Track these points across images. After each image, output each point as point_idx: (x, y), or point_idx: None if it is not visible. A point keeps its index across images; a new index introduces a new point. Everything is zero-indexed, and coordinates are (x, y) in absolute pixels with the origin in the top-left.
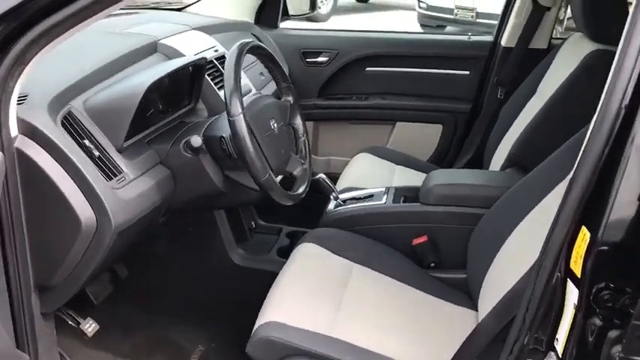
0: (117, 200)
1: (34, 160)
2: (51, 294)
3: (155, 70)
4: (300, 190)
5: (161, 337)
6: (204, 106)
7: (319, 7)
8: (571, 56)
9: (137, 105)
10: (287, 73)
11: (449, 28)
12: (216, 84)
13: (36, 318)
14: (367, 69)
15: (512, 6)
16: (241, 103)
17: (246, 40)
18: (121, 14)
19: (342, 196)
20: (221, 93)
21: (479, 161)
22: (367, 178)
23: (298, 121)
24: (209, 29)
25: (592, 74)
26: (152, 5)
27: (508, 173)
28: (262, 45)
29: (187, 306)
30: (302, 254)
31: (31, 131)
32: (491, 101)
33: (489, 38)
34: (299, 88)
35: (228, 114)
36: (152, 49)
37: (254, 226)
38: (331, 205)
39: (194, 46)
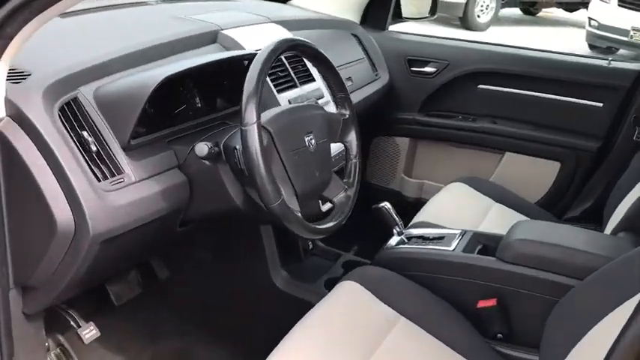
0: (101, 204)
1: (14, 147)
2: (33, 294)
3: (181, 62)
4: (332, 223)
5: (185, 351)
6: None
7: (478, 16)
8: None
9: (145, 100)
10: (387, 82)
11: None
12: (276, 86)
13: (14, 318)
14: (480, 86)
15: None
16: (258, 111)
17: (288, 37)
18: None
19: (409, 232)
20: (281, 96)
21: (598, 214)
22: (452, 213)
23: (352, 139)
24: (293, 24)
25: None
26: None
27: (619, 239)
28: (308, 43)
29: (220, 322)
30: (340, 293)
31: (17, 114)
32: (625, 142)
33: (636, 66)
34: (400, 99)
35: (241, 122)
36: (211, 38)
37: (310, 246)
38: (392, 241)
39: (260, 41)
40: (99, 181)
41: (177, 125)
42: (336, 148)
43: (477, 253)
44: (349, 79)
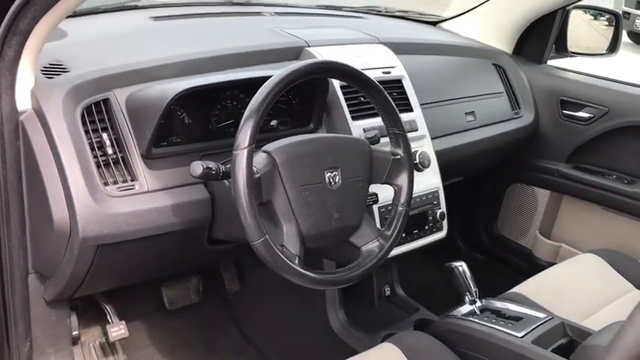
0: (97, 209)
1: (30, 141)
2: (49, 282)
3: (220, 76)
4: (342, 275)
5: None
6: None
7: None
8: None
9: (162, 111)
10: (530, 122)
11: None
12: (352, 112)
13: (34, 302)
14: None
15: None
16: (253, 135)
17: (321, 60)
18: (328, 15)
19: (488, 303)
20: (356, 124)
21: None
22: (566, 292)
23: (403, 183)
24: (408, 47)
25: None
26: (398, 13)
27: None
28: (353, 68)
29: (263, 353)
30: (374, 356)
31: (39, 109)
32: None
33: None
34: (545, 145)
35: (233, 145)
36: (295, 54)
37: (388, 292)
38: (463, 309)
39: (351, 61)
40: (106, 185)
41: (216, 140)
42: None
43: (554, 350)
44: (471, 113)
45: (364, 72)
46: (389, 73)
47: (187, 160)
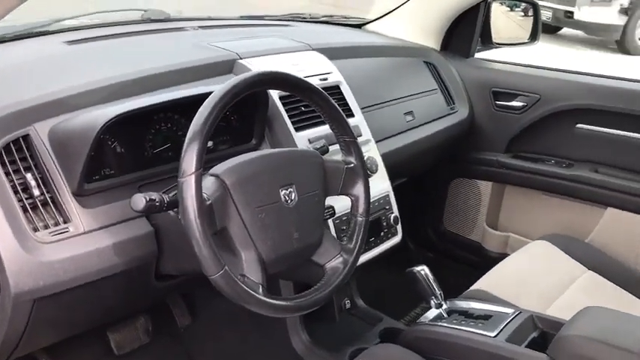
0: (30, 259)
1: None
2: None
3: (152, 97)
4: (319, 295)
5: None
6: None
7: (639, 39)
8: None
9: (91, 141)
10: (466, 116)
11: None
12: (294, 123)
13: None
14: (578, 126)
15: None
16: (200, 159)
17: (264, 71)
18: (254, 25)
19: (453, 304)
20: (300, 135)
21: None
22: (525, 281)
23: (359, 193)
24: (341, 52)
25: None
26: (323, 18)
27: None
28: (297, 77)
29: None
30: None
31: None
32: None
33: None
34: (482, 137)
35: (178, 172)
36: (227, 68)
37: (348, 305)
38: (429, 314)
39: (288, 70)
40: (36, 231)
41: (154, 167)
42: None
43: (528, 344)
44: (410, 113)
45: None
46: (326, 79)
47: (125, 193)
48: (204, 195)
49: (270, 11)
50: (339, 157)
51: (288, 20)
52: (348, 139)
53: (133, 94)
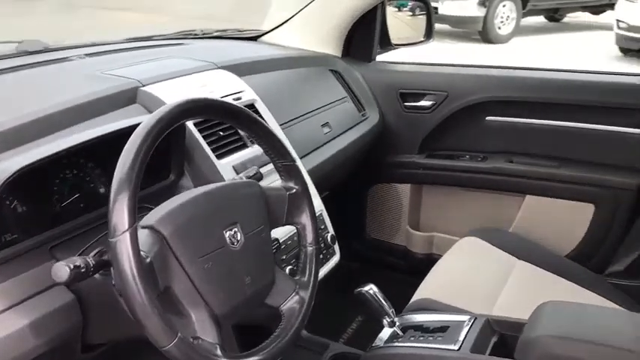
0: None
1: None
2: None
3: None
4: (282, 343)
5: None
6: (195, 183)
7: (499, 28)
8: None
9: None
10: (377, 121)
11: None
12: (214, 150)
13: None
14: (488, 118)
15: None
16: (131, 212)
17: (191, 99)
18: (145, 47)
19: (405, 319)
20: (223, 163)
21: None
22: (465, 281)
23: (305, 221)
24: (248, 67)
25: None
26: (216, 34)
27: None
28: (225, 102)
29: None
30: None
31: None
32: None
33: None
34: (395, 140)
35: (108, 229)
36: (130, 98)
37: None
38: (383, 334)
39: (198, 93)
40: None
41: (64, 224)
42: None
43: (491, 351)
44: (326, 124)
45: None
46: (240, 99)
47: (34, 260)
48: (142, 253)
49: (156, 30)
50: (277, 182)
51: (180, 39)
52: (287, 162)
53: (26, 140)
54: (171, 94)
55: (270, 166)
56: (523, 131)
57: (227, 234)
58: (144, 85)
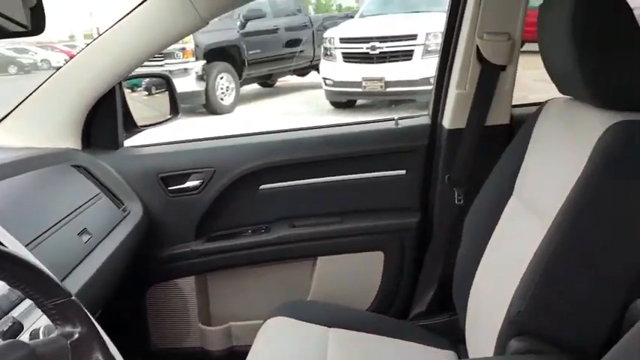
0: None
1: None
2: None
3: None
4: None
5: None
6: None
7: (222, 99)
8: (567, 134)
9: None
10: (141, 215)
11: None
12: None
13: None
14: (262, 187)
15: (451, 69)
16: None
17: None
18: None
19: None
20: None
21: (447, 301)
22: None
23: None
24: None
25: (628, 162)
26: None
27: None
28: None
29: None
30: None
31: None
32: (445, 209)
33: (425, 120)
34: (166, 231)
35: None
36: None
37: None
38: None
39: None
40: None
41: None
42: None
43: None
44: (84, 231)
45: None
46: None
47: None
48: None
49: None
50: (54, 333)
51: None
52: (60, 300)
53: None
54: None
55: (27, 302)
56: (299, 193)
57: None
58: None
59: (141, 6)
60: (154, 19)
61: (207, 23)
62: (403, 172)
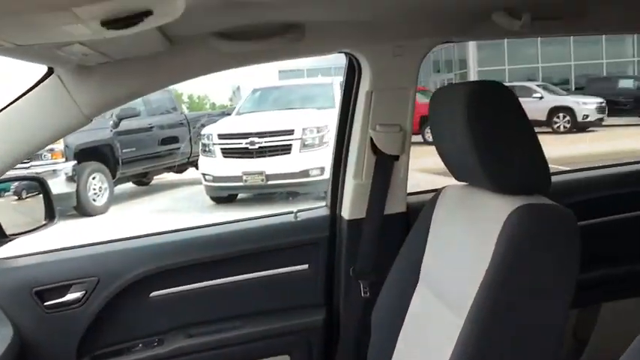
0: None
1: None
2: None
3: None
4: None
5: None
6: None
7: (94, 200)
8: (468, 220)
9: None
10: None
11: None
12: None
13: None
14: (153, 294)
15: (346, 160)
16: None
17: None
18: None
19: None
20: None
21: None
22: None
23: None
24: None
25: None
26: None
27: None
28: None
29: None
30: None
31: None
32: (351, 304)
33: (324, 211)
34: (42, 354)
35: None
36: None
37: None
38: None
39: None
40: None
41: None
42: None
43: None
44: None
45: None
46: None
47: None
48: None
49: None
50: None
51: None
52: None
53: None
54: None
55: None
56: (195, 298)
57: None
58: None
59: (19, 100)
60: (33, 116)
61: (91, 120)
62: (305, 266)
